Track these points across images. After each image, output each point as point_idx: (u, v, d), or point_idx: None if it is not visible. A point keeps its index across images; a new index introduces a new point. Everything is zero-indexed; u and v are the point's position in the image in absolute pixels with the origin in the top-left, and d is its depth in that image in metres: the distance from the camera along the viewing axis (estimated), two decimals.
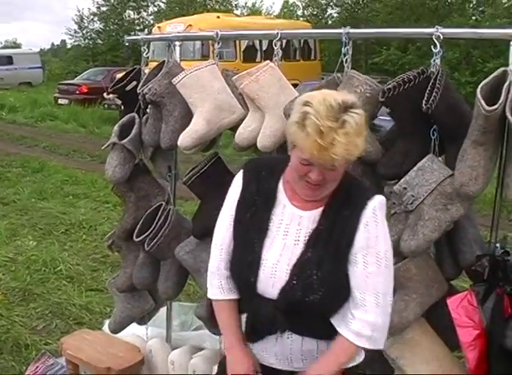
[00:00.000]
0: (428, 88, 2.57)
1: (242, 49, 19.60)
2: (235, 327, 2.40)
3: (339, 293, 2.22)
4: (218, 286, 2.42)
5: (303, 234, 2.23)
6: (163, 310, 4.15)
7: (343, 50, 2.92)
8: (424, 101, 2.54)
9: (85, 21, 42.18)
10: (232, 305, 2.41)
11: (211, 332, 3.76)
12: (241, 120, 3.24)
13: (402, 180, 2.64)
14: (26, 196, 9.53)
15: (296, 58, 21.73)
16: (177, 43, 3.71)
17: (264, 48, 19.07)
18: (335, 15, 31.91)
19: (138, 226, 3.66)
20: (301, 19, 31.93)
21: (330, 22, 31.91)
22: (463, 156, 2.52)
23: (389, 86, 2.66)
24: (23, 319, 5.17)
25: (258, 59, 18.35)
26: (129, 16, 41.95)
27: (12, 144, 15.42)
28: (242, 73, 3.13)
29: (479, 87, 2.41)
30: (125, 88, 3.77)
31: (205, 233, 3.42)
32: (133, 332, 4.14)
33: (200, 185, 3.47)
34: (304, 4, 33.25)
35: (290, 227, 2.25)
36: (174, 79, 3.28)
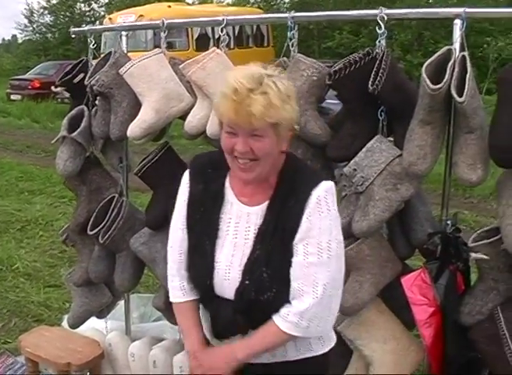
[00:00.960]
0: (374, 69, 2.57)
1: (194, 38, 19.49)
2: (196, 331, 2.37)
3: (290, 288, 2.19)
4: (180, 288, 2.40)
5: (252, 232, 2.21)
6: (122, 303, 4.12)
7: (289, 34, 2.92)
8: (370, 83, 2.55)
9: (35, 15, 41.48)
10: (194, 307, 2.40)
11: (171, 322, 3.75)
12: (190, 108, 3.22)
13: (351, 162, 2.65)
14: None
15: (249, 45, 21.75)
16: (123, 33, 3.67)
17: (216, 36, 19.03)
18: (286, 0, 31.92)
19: (92, 220, 3.63)
20: (254, 5, 31.85)
21: (282, 7, 31.91)
22: (410, 136, 2.53)
23: (336, 68, 2.66)
24: None
25: (211, 48, 18.29)
26: (79, 9, 41.31)
27: None
28: (189, 61, 3.11)
29: (424, 66, 2.42)
30: (72, 80, 3.72)
31: (159, 224, 3.41)
32: (93, 326, 4.11)
33: (152, 175, 3.45)
34: None
35: (240, 226, 2.24)
36: (121, 69, 3.24)
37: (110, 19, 20.68)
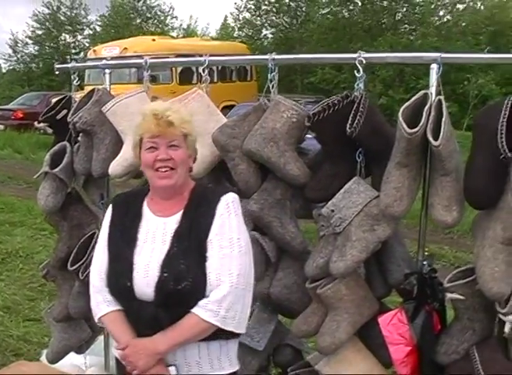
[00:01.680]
0: (352, 112, 2.63)
1: (178, 72, 19.60)
2: (129, 332, 2.47)
3: (206, 278, 2.40)
4: (103, 301, 2.55)
5: (169, 235, 2.47)
6: (101, 338, 4.11)
7: (270, 76, 2.97)
8: (348, 125, 2.60)
9: (19, 45, 41.59)
10: (121, 315, 2.52)
11: None
12: None
13: (329, 203, 2.69)
14: None
15: (233, 80, 21.88)
16: (107, 71, 3.71)
17: (200, 70, 19.10)
18: (270, 35, 32.23)
19: (72, 255, 3.64)
20: (237, 40, 32.13)
21: (265, 42, 32.22)
22: (387, 178, 2.57)
23: (314, 111, 2.71)
24: None
25: (195, 81, 18.39)
26: (64, 40, 41.50)
27: None
28: (171, 100, 3.14)
29: (401, 110, 2.48)
30: (56, 117, 3.75)
31: None
32: (71, 361, 4.09)
33: None
34: (238, 25, 33.46)
35: (157, 234, 2.50)
36: (104, 107, 3.30)
37: (94, 50, 20.86)
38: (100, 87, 3.65)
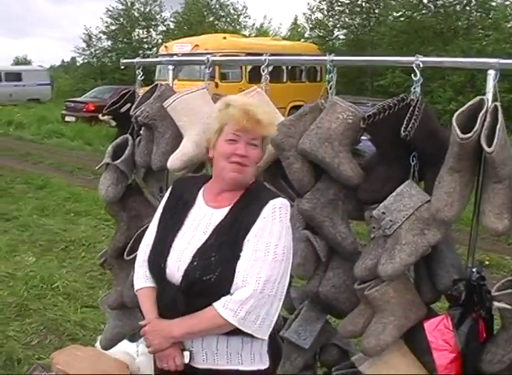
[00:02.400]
0: (407, 115, 2.63)
1: (248, 70, 19.69)
2: (155, 310, 2.59)
3: (233, 275, 2.43)
4: (143, 275, 2.69)
5: (211, 227, 2.54)
6: None
7: (328, 77, 3.00)
8: (402, 128, 2.60)
9: (93, 39, 42.45)
10: (154, 292, 2.64)
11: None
12: None
13: (381, 205, 2.70)
14: (28, 212, 9.57)
15: (302, 80, 21.85)
16: (170, 67, 3.80)
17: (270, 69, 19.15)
18: (341, 37, 32.11)
19: (129, 245, 3.73)
20: (308, 40, 32.08)
21: (337, 44, 32.10)
22: (439, 182, 2.57)
23: (370, 113, 2.73)
24: (17, 334, 5.21)
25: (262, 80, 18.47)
26: (138, 35, 42.16)
27: (18, 161, 15.49)
28: None
29: (455, 115, 2.47)
30: (119, 110, 3.85)
31: None
32: (124, 349, 4.18)
33: None
34: (311, 25, 33.42)
35: (202, 222, 2.58)
36: (165, 102, 3.37)
37: (166, 47, 21.09)
38: (163, 82, 3.74)
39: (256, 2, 74.99)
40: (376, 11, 29.15)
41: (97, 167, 3.82)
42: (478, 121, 2.45)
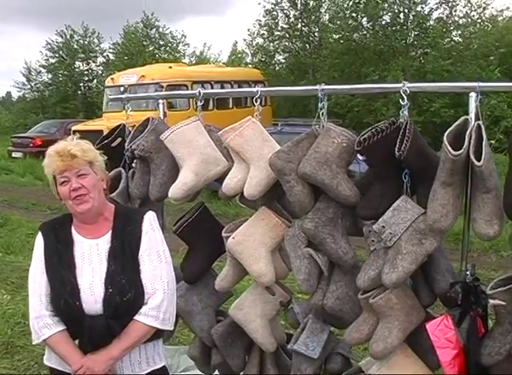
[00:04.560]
0: (399, 137, 2.87)
1: (195, 98, 19.82)
2: (77, 351, 2.80)
3: (144, 289, 2.84)
4: (43, 326, 2.83)
5: (104, 256, 2.85)
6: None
7: (320, 105, 3.23)
8: (396, 149, 2.84)
9: (33, 73, 42.15)
10: (65, 335, 2.84)
11: (202, 371, 4.01)
12: (226, 172, 3.52)
13: (380, 220, 2.93)
14: None
15: (247, 105, 22.10)
16: (161, 101, 4.00)
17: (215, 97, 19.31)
18: (283, 60, 32.46)
19: None
20: (250, 65, 32.40)
21: (278, 68, 32.47)
22: (433, 196, 2.82)
23: (365, 136, 2.97)
24: (10, 371, 5.27)
25: (211, 107, 18.70)
26: (78, 67, 41.98)
27: None
28: (226, 129, 3.40)
29: (445, 134, 2.73)
30: (110, 144, 4.01)
31: (197, 278, 3.70)
32: None
33: (189, 233, 3.74)
34: (252, 51, 33.74)
35: (92, 255, 2.86)
36: (162, 135, 3.55)
37: (112, 79, 21.18)
38: (152, 115, 3.94)
39: (195, 31, 75.45)
40: (316, 34, 29.62)
41: None
42: (466, 139, 2.72)
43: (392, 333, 3.00)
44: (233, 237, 3.39)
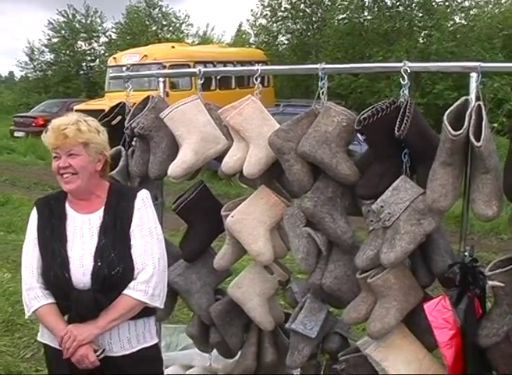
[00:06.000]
0: (399, 116, 2.86)
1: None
2: (63, 322, 2.83)
3: (133, 262, 2.86)
4: (33, 297, 2.86)
5: (95, 230, 2.89)
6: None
7: (320, 84, 3.21)
8: (396, 128, 2.83)
9: (35, 53, 41.99)
10: (53, 307, 2.87)
11: (201, 350, 4.02)
12: (225, 150, 3.51)
13: (379, 199, 2.93)
14: None
15: (250, 86, 22.05)
16: (161, 79, 3.98)
17: (218, 77, 19.32)
18: (286, 41, 32.35)
19: None
20: (253, 46, 32.28)
21: (281, 48, 32.37)
22: (433, 176, 2.81)
23: (364, 115, 2.96)
24: (10, 349, 5.31)
25: (213, 87, 18.69)
26: (80, 47, 41.81)
27: None
28: (226, 107, 3.38)
29: (445, 114, 2.72)
30: (111, 122, 4.00)
31: (196, 257, 3.70)
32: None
33: (189, 211, 3.73)
34: (255, 32, 33.64)
35: (84, 229, 2.90)
36: (161, 113, 3.54)
37: (114, 58, 21.11)
38: (154, 93, 3.92)
39: (198, 11, 75.11)
40: (319, 14, 29.49)
41: None
42: (466, 119, 2.71)
43: (390, 313, 3.00)
44: (232, 216, 3.38)
